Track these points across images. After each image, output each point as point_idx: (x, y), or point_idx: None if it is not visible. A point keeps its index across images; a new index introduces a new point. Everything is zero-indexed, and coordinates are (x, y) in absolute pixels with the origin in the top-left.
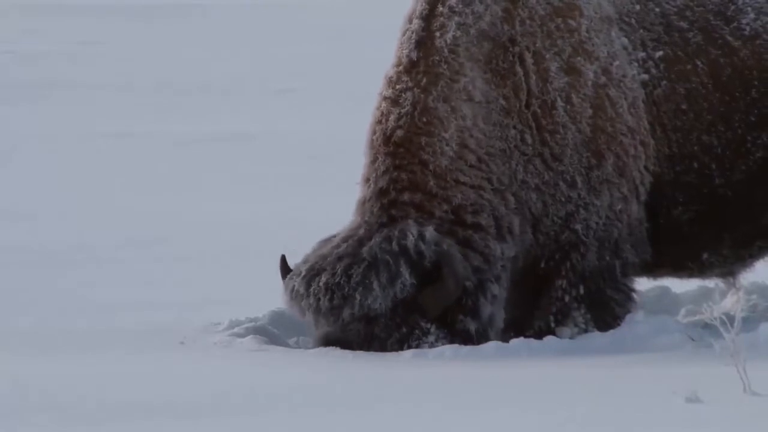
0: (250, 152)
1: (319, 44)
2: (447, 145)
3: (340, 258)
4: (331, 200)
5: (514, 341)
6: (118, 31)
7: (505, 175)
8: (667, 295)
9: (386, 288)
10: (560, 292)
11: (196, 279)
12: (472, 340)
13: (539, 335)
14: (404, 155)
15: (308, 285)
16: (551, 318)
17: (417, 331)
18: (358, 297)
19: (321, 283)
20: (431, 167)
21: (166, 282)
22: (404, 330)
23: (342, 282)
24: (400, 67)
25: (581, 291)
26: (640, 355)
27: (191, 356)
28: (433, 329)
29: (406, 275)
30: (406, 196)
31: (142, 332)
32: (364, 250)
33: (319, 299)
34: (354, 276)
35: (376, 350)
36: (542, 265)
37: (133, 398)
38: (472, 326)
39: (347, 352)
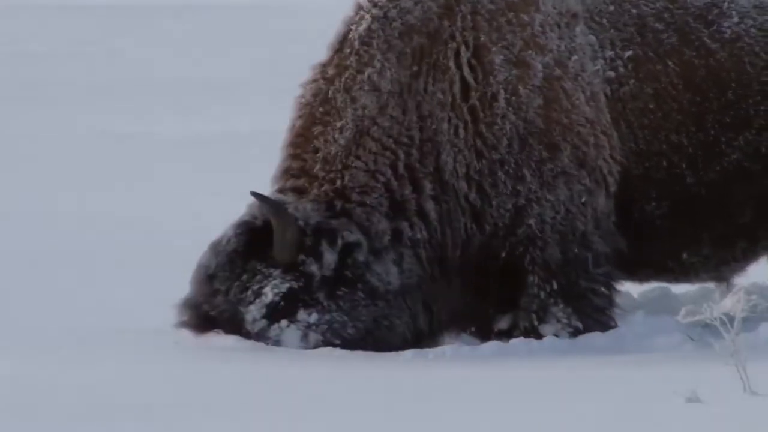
0: (250, 152)
1: (319, 44)
2: (340, 133)
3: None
4: None
5: (514, 341)
6: (118, 31)
7: (424, 164)
8: (667, 295)
9: (215, 247)
10: (535, 288)
11: None
12: (311, 283)
13: (526, 334)
14: (301, 144)
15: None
16: (533, 316)
17: (258, 276)
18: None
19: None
20: (321, 154)
21: (166, 282)
22: (244, 276)
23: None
24: (317, 63)
25: (554, 286)
26: (640, 355)
27: (190, 356)
28: (276, 273)
29: (230, 232)
30: (290, 183)
31: (142, 332)
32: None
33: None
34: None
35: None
36: (503, 255)
37: (132, 398)
38: (314, 267)
39: (347, 352)
